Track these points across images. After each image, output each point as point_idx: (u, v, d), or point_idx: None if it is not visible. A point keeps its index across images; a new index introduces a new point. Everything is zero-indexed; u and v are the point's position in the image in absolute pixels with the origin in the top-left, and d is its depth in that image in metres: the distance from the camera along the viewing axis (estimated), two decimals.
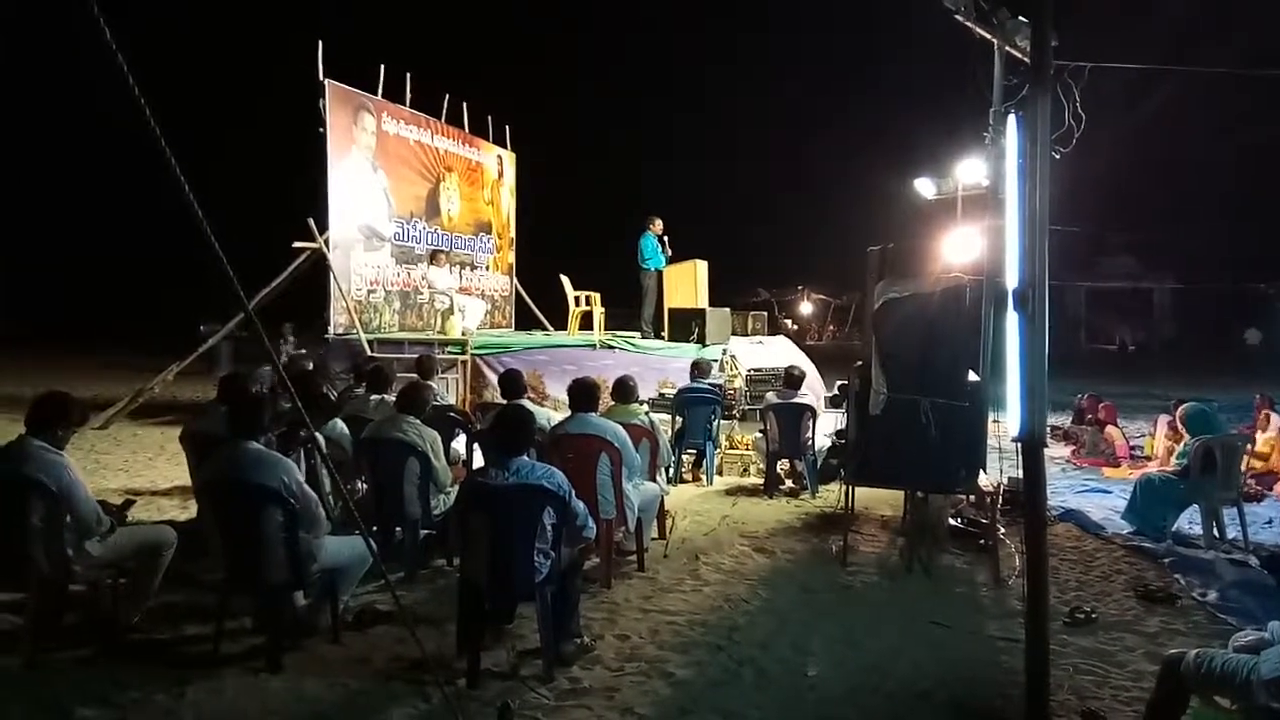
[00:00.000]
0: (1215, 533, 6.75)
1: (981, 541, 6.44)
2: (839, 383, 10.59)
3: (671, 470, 8.37)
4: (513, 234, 17.04)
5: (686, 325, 12.24)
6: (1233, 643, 3.47)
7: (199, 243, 3.07)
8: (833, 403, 10.59)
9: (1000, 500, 6.53)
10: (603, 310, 13.22)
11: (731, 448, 9.63)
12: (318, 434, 5.53)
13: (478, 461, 6.88)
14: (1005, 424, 6.47)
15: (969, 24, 6.29)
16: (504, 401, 6.96)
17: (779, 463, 8.67)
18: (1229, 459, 6.80)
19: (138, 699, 3.89)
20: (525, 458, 4.26)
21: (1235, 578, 5.76)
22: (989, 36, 6.47)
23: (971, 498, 6.94)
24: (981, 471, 6.45)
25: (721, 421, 9.40)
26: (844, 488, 6.71)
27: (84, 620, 4.65)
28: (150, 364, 14.28)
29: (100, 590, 4.62)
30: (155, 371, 12.79)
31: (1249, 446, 8.17)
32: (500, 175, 16.53)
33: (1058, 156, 6.32)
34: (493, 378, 11.11)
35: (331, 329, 11.88)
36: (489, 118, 16.06)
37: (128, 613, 4.62)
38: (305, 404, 3.90)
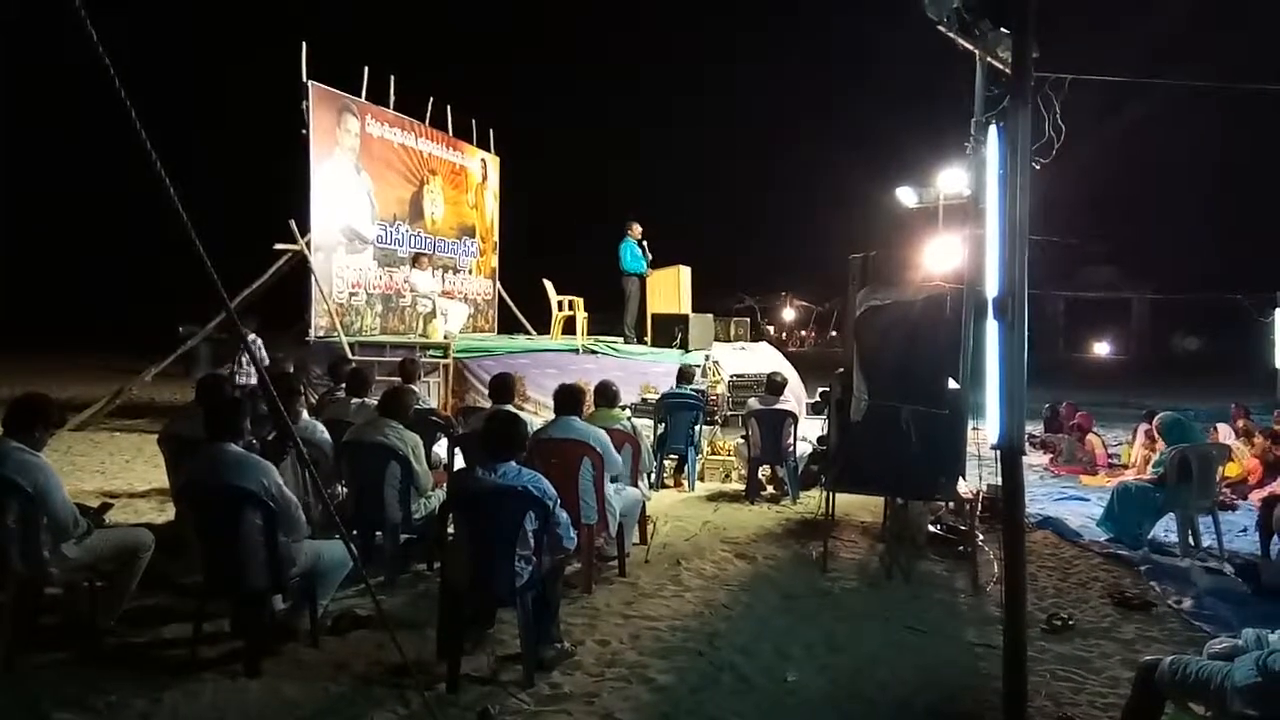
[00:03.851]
0: (1190, 541, 6.82)
1: (960, 548, 6.48)
2: (820, 389, 10.62)
3: (653, 475, 8.37)
4: (496, 238, 17.01)
5: (669, 330, 12.27)
6: (1207, 650, 3.51)
7: (180, 243, 3.06)
8: (814, 409, 10.62)
9: (979, 507, 6.57)
10: (585, 315, 13.23)
11: (713, 453, 9.66)
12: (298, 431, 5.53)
13: (460, 466, 6.85)
14: (984, 431, 6.54)
15: (951, 35, 6.34)
16: (487, 405, 6.96)
17: (760, 468, 8.69)
18: (1205, 468, 6.88)
19: (114, 702, 3.86)
20: (513, 463, 4.25)
21: (1210, 585, 5.81)
22: (971, 47, 6.52)
23: (951, 505, 6.97)
24: (961, 479, 6.49)
25: (703, 427, 9.42)
26: (825, 494, 6.73)
27: (60, 623, 4.61)
28: (128, 365, 14.17)
29: (77, 593, 4.59)
30: (133, 373, 12.69)
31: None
32: (484, 179, 16.51)
33: (1038, 167, 6.39)
34: (475, 381, 11.10)
35: (313, 332, 11.82)
36: (473, 121, 16.04)
37: (104, 615, 4.57)
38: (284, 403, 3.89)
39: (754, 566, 6.33)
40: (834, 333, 45.77)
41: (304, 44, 11.57)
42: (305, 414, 6.05)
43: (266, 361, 10.33)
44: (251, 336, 10.72)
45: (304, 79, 11.65)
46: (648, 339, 12.83)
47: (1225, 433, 9.70)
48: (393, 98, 13.62)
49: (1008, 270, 3.62)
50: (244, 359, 10.87)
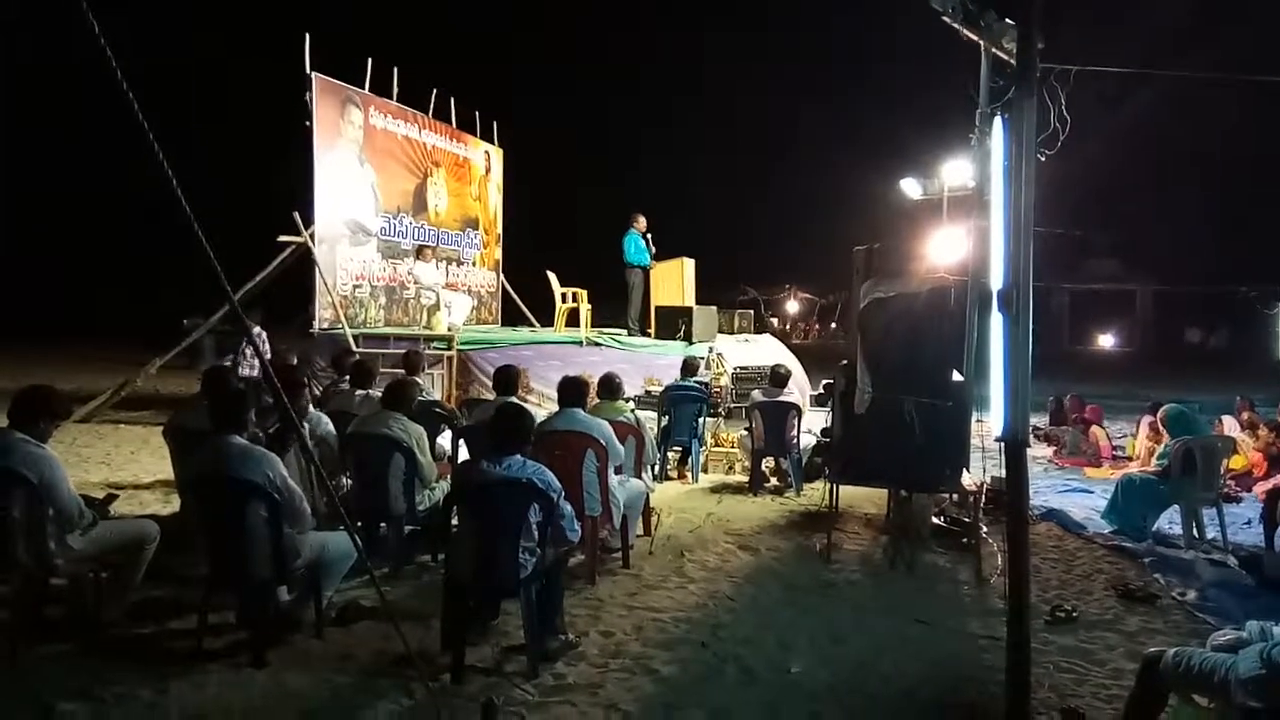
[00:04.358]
0: (1195, 533, 6.81)
1: (964, 540, 6.48)
2: (824, 381, 10.64)
3: (657, 468, 8.38)
4: (500, 230, 17.00)
5: (673, 323, 12.26)
6: (1211, 642, 3.50)
7: (185, 236, 3.06)
8: (818, 401, 10.64)
9: (983, 499, 6.57)
10: (589, 307, 13.21)
11: (717, 445, 9.65)
12: (306, 424, 5.54)
13: (464, 458, 6.86)
14: (988, 424, 6.53)
15: (956, 25, 6.32)
16: (490, 397, 6.97)
17: (764, 460, 8.69)
18: (1209, 460, 6.86)
19: (120, 694, 3.87)
20: (518, 456, 4.25)
21: (1214, 578, 5.82)
22: (976, 38, 6.50)
23: (954, 496, 6.97)
24: (964, 471, 6.49)
25: (707, 419, 9.42)
26: (828, 486, 6.73)
27: (66, 614, 4.62)
28: (133, 357, 14.20)
29: (82, 584, 4.60)
30: (138, 365, 12.71)
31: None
32: (488, 171, 16.49)
33: (1043, 159, 6.37)
34: (479, 374, 11.10)
35: (316, 324, 11.82)
36: (476, 113, 16.02)
37: (110, 607, 4.59)
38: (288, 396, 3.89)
39: (757, 558, 6.33)
40: (834, 324, 45.75)
41: (307, 36, 11.55)
42: (310, 407, 6.07)
43: (269, 354, 10.35)
44: (256, 330, 10.73)
45: (307, 71, 11.63)
46: (651, 331, 12.82)
47: (1231, 425, 9.68)
48: (396, 89, 13.60)
49: (1012, 262, 3.61)
50: (248, 351, 10.86)
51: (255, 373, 10.31)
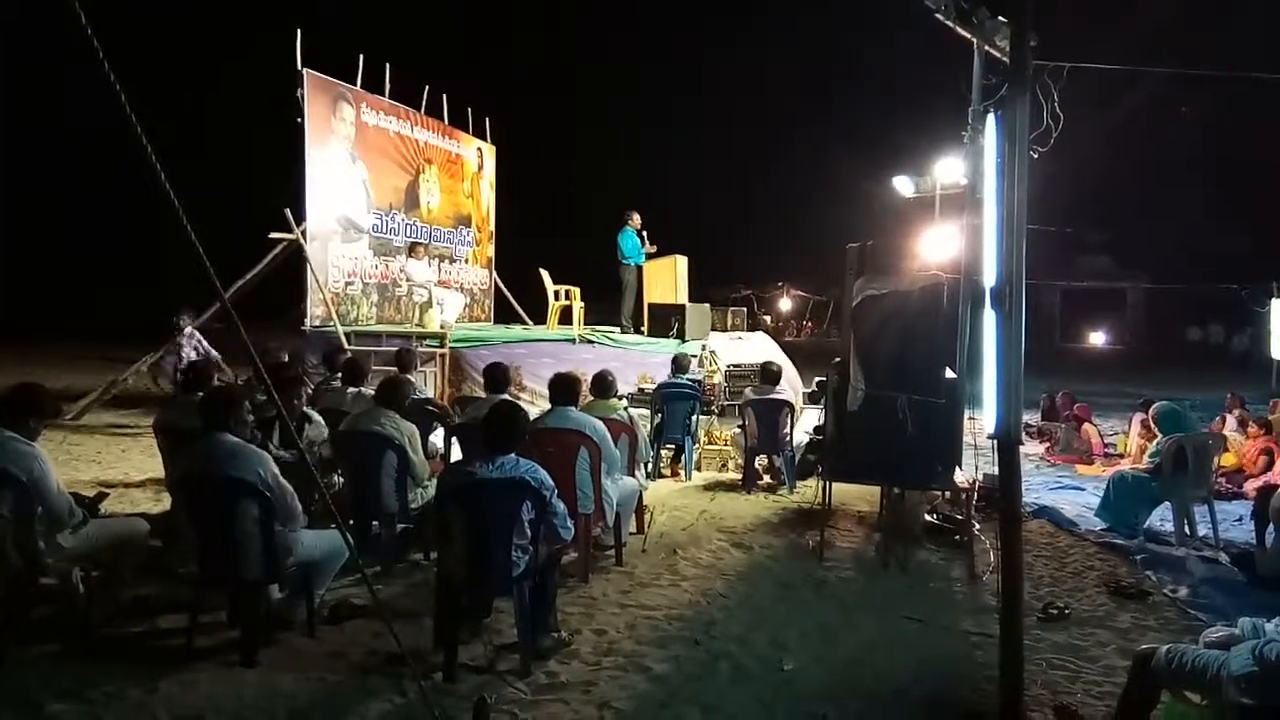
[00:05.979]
0: (1186, 530, 6.83)
1: (957, 537, 6.48)
2: (817, 379, 10.63)
3: (650, 465, 8.37)
4: (492, 227, 16.99)
5: (666, 320, 12.28)
6: (1203, 639, 3.52)
7: (175, 233, 3.04)
8: (811, 399, 10.63)
9: (975, 497, 6.57)
10: (582, 305, 13.21)
11: (710, 443, 9.65)
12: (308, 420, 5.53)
13: (456, 456, 6.84)
14: (981, 421, 6.54)
15: (949, 23, 6.33)
16: (483, 395, 6.95)
17: (757, 458, 8.69)
18: (1200, 457, 6.89)
19: (110, 693, 3.85)
20: (512, 455, 4.24)
21: (1205, 574, 5.83)
22: (969, 36, 6.51)
23: (947, 494, 6.98)
24: (957, 468, 6.49)
25: (700, 417, 9.42)
26: (821, 483, 6.73)
27: (55, 614, 4.59)
28: (123, 355, 14.13)
29: (72, 583, 4.57)
30: (128, 362, 12.65)
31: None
32: (480, 168, 16.46)
33: (1036, 156, 6.38)
34: (472, 371, 11.08)
35: (308, 321, 11.80)
36: (469, 110, 16.00)
37: (100, 606, 4.56)
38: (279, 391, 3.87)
39: (750, 556, 6.33)
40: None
41: (298, 31, 11.50)
42: (301, 404, 6.04)
43: (207, 354, 10.50)
44: (189, 330, 10.76)
45: (299, 67, 11.59)
46: (644, 329, 12.81)
47: (1231, 424, 9.71)
48: (388, 86, 13.57)
49: (1005, 260, 3.61)
50: (182, 339, 10.76)
51: (197, 354, 10.44)
